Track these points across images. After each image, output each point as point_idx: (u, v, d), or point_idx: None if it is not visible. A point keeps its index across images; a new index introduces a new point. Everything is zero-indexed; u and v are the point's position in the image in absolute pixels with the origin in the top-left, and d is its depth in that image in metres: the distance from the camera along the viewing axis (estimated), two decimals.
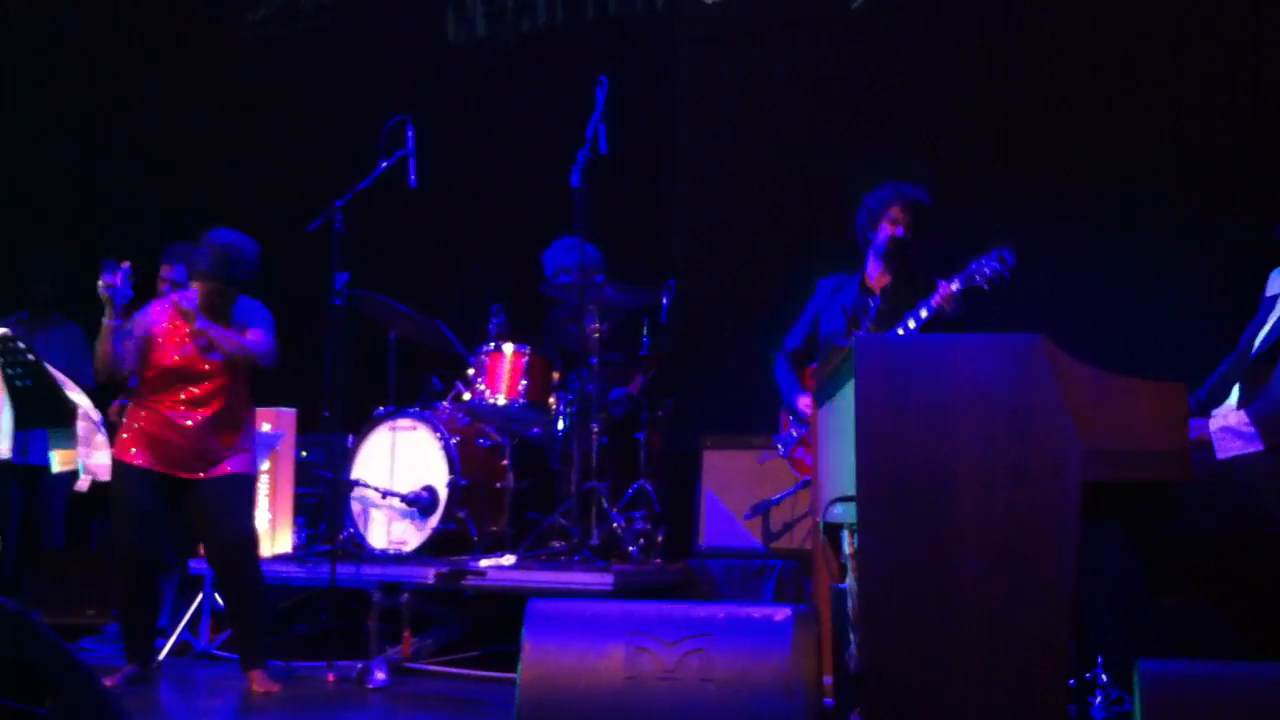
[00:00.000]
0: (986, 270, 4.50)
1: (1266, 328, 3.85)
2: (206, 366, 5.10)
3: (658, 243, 7.05)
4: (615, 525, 5.77)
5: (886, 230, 4.99)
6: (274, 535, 6.24)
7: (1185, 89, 6.08)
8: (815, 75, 7.00)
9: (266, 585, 5.27)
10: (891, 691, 3.01)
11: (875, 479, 3.08)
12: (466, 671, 5.41)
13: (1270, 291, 3.98)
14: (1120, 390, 3.16)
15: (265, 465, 6.10)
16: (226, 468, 5.10)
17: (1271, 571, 3.48)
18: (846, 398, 3.33)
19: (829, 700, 3.64)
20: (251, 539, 5.19)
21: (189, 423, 5.06)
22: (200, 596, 5.90)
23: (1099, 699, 4.20)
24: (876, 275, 5.11)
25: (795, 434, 5.33)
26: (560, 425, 6.08)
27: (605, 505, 5.77)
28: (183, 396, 5.08)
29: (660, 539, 5.92)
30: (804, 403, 5.06)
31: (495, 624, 5.80)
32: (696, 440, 6.37)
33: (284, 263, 7.09)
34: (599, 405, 5.86)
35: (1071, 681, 4.20)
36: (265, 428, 6.01)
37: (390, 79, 7.99)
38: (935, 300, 4.66)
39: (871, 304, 4.85)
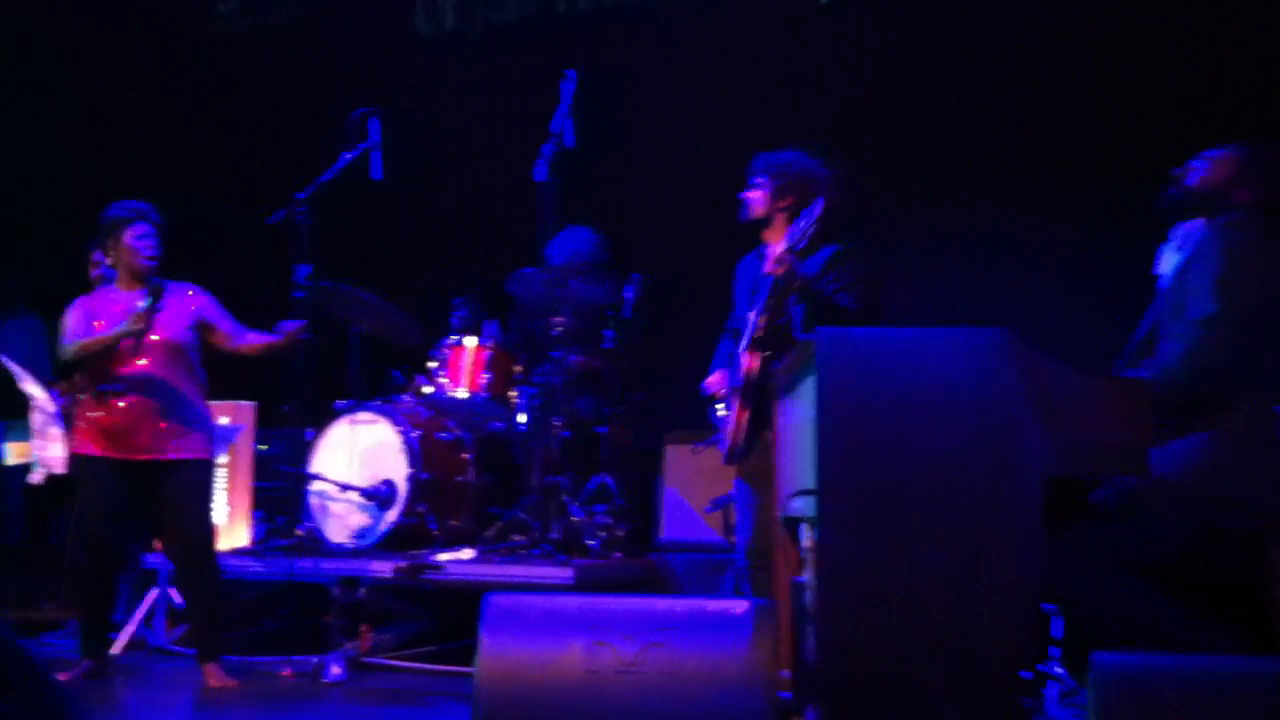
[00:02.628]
0: (801, 226, 4.28)
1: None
2: (143, 350, 5.05)
3: (625, 237, 7.02)
4: (576, 519, 5.75)
5: (747, 196, 4.77)
6: (232, 529, 6.19)
7: (1150, 82, 6.11)
8: (784, 70, 7.00)
9: (224, 579, 5.23)
10: (848, 686, 2.99)
11: (836, 473, 3.06)
12: (425, 666, 5.37)
13: (1158, 269, 3.94)
14: (1084, 386, 3.16)
15: (224, 458, 6.05)
16: (186, 451, 5.05)
17: (1232, 565, 3.48)
18: (808, 391, 3.31)
19: (786, 694, 3.63)
20: (212, 532, 5.16)
21: (137, 404, 4.99)
22: (156, 590, 5.83)
23: (1054, 691, 4.21)
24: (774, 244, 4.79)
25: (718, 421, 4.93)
26: (522, 419, 6.05)
27: (566, 500, 5.74)
28: (126, 378, 5.01)
29: (621, 533, 5.89)
30: (710, 380, 4.90)
31: (455, 619, 5.76)
32: (659, 435, 6.36)
33: (247, 255, 7.08)
34: (563, 400, 5.83)
35: (1026, 674, 4.21)
36: (224, 421, 5.96)
37: (358, 71, 7.94)
38: (765, 267, 4.47)
39: (767, 281, 4.68)
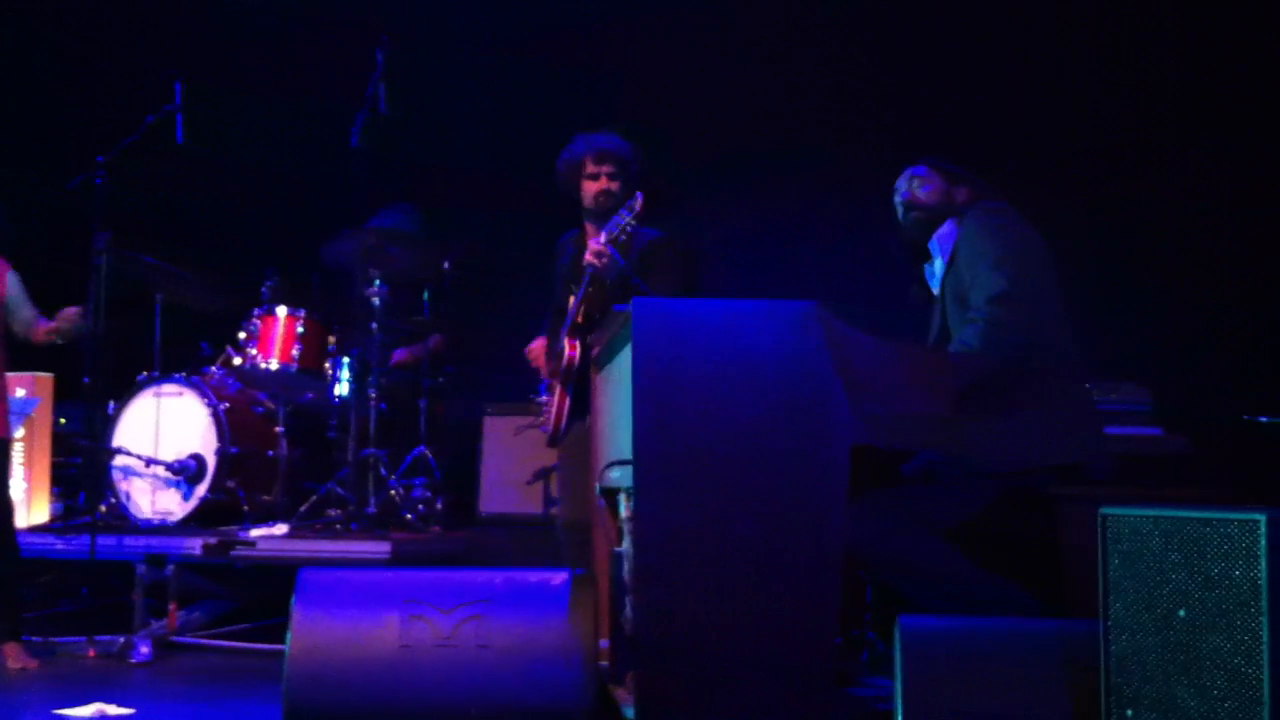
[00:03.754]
0: (621, 220, 4.20)
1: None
2: None
3: (442, 207, 6.93)
4: (394, 493, 5.68)
5: (590, 187, 4.69)
6: (30, 506, 5.96)
7: (954, 64, 6.30)
8: (602, 42, 6.98)
9: (22, 558, 5.02)
10: (663, 653, 3.02)
11: (650, 443, 3.08)
12: (236, 645, 5.26)
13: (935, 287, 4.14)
14: (889, 356, 3.24)
15: (20, 433, 5.79)
16: None
17: (1026, 529, 3.63)
18: (624, 362, 3.33)
19: (606, 663, 3.66)
20: (8, 510, 4.94)
21: None
22: None
23: (866, 656, 4.34)
24: (592, 233, 4.71)
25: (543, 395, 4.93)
26: (338, 391, 5.95)
27: (384, 473, 5.67)
28: None
29: (440, 506, 5.85)
30: (531, 346, 4.85)
31: (268, 596, 5.65)
32: (478, 407, 6.32)
33: (41, 221, 6.76)
34: (379, 371, 5.75)
35: (839, 640, 4.33)
36: (20, 393, 5.72)
37: (162, 32, 7.63)
38: (585, 259, 4.41)
39: (587, 271, 4.53)
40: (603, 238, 4.31)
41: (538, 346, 4.83)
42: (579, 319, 4.48)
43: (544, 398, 4.81)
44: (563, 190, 4.81)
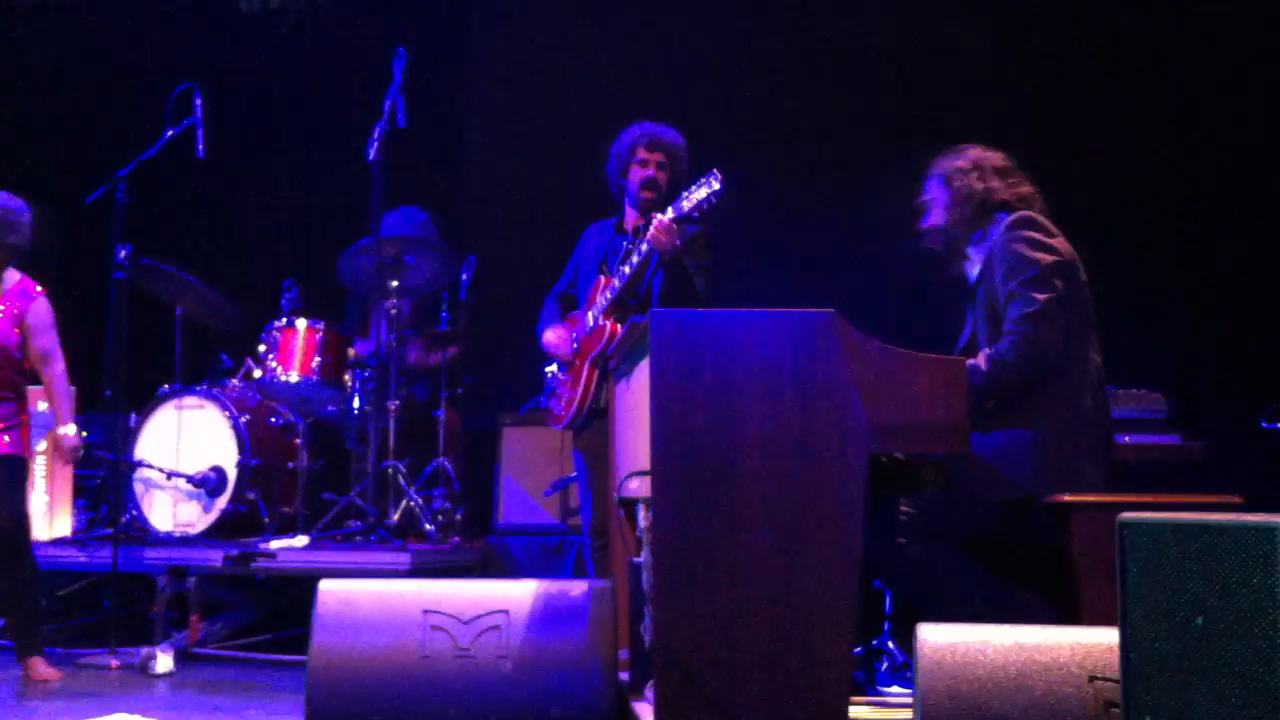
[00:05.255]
0: (699, 200, 4.16)
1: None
2: None
3: (458, 218, 6.96)
4: (413, 504, 5.70)
5: (637, 174, 4.70)
6: (52, 518, 5.98)
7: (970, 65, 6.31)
8: (616, 47, 7.00)
9: (42, 570, 5.06)
10: (681, 663, 3.03)
11: (668, 453, 3.10)
12: (257, 656, 5.29)
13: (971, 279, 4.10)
14: (905, 365, 3.24)
15: (42, 446, 5.83)
16: None
17: (1040, 538, 3.63)
18: (642, 372, 3.34)
19: (625, 674, 3.66)
20: (23, 521, 4.96)
21: None
22: None
23: (885, 665, 4.34)
24: (632, 220, 4.79)
25: (549, 384, 4.96)
26: (356, 403, 5.97)
27: (403, 484, 5.69)
28: None
29: (459, 517, 5.87)
30: (548, 335, 4.84)
31: (288, 607, 5.68)
32: (496, 418, 6.34)
33: (62, 235, 6.81)
34: (398, 383, 5.77)
35: (859, 649, 4.34)
36: (42, 407, 5.74)
37: (179, 46, 7.69)
38: (650, 234, 4.34)
39: (622, 245, 4.60)
40: (669, 213, 4.27)
41: (558, 337, 4.81)
42: (621, 296, 4.49)
43: (560, 376, 4.80)
44: (610, 174, 4.81)
